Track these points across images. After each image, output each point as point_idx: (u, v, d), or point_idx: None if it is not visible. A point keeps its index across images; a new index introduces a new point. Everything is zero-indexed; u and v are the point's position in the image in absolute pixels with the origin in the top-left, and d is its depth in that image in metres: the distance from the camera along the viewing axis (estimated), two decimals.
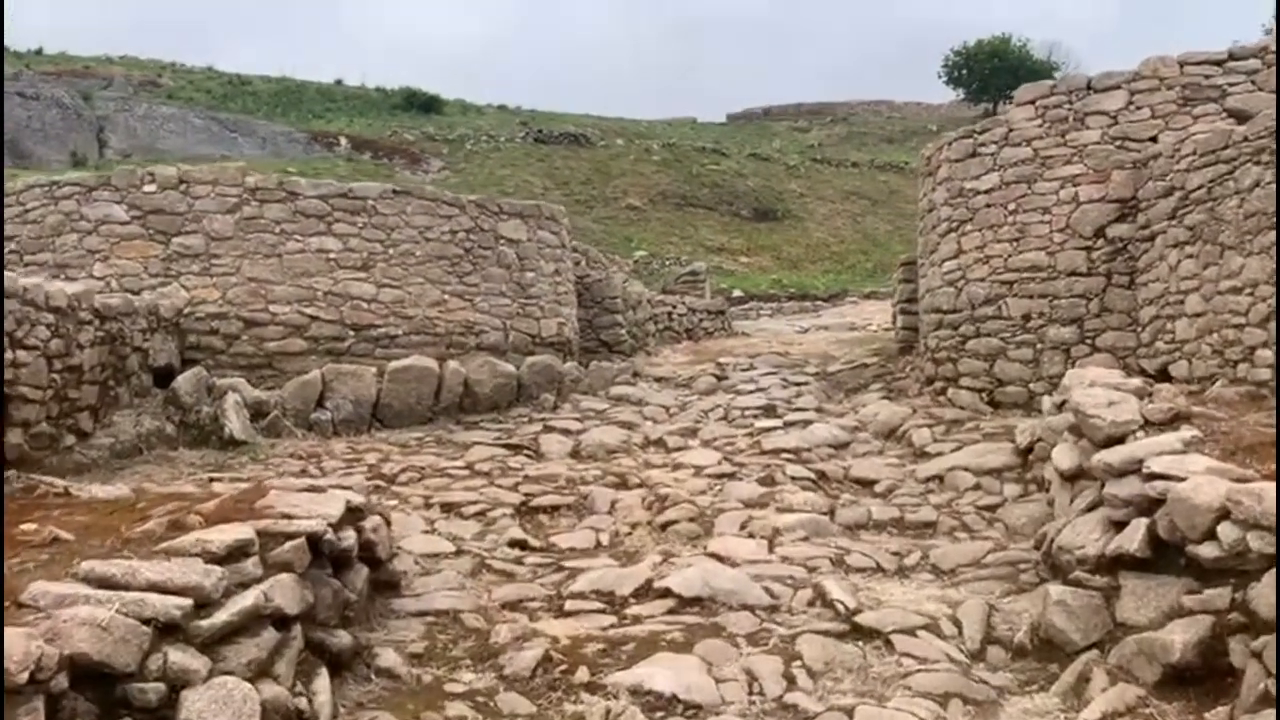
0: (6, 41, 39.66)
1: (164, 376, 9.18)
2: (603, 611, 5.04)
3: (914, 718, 3.82)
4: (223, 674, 3.35)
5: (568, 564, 5.91)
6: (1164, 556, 4.29)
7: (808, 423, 9.77)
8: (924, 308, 10.95)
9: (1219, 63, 8.82)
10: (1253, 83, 8.64)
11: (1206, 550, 3.98)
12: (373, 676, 4.23)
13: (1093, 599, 4.40)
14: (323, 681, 3.85)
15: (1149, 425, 5.38)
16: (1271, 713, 3.32)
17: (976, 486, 7.33)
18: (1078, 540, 4.81)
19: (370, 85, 47.97)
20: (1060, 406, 6.55)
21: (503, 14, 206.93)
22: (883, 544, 6.23)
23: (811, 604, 5.04)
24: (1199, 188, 7.69)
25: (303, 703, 3.63)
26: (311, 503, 4.67)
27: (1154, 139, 8.78)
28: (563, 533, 6.64)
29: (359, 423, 9.72)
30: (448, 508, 7.06)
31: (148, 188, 10.29)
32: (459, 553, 6.04)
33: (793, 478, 7.73)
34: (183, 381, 8.88)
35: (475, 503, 7.14)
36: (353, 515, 4.85)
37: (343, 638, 4.24)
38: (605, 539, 6.49)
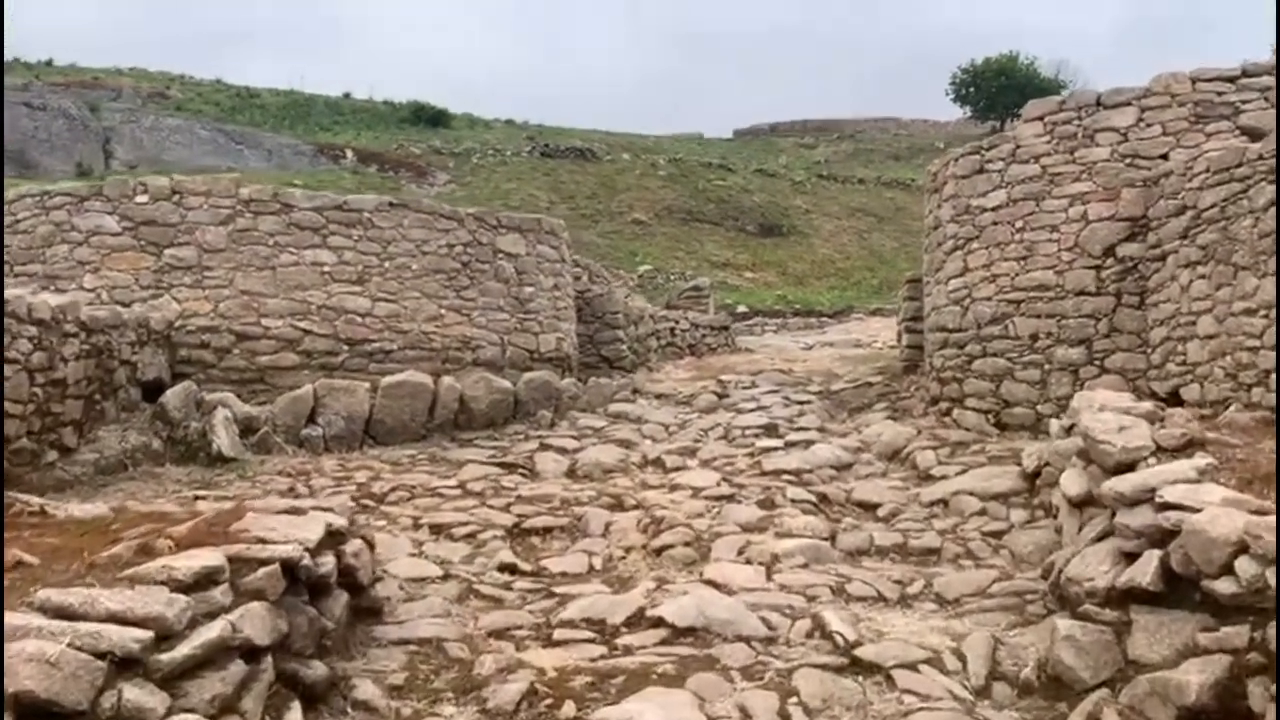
0: (17, 53, 39.91)
1: (153, 391, 9.01)
2: (593, 641, 4.86)
3: None
4: (183, 711, 3.17)
5: (558, 589, 5.72)
6: (1177, 590, 4.09)
7: (810, 443, 9.58)
8: (929, 326, 10.76)
9: (1231, 79, 8.68)
10: (1266, 100, 8.49)
11: (1223, 586, 3.79)
12: (349, 710, 4.05)
13: (1103, 634, 4.21)
14: (294, 716, 3.67)
15: (1161, 451, 5.19)
16: None
17: (982, 511, 7.12)
18: (1087, 571, 4.61)
19: (378, 99, 48.15)
20: (1069, 430, 6.36)
21: (512, 30, 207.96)
22: (885, 571, 6.04)
23: (810, 635, 4.84)
24: (1211, 206, 7.52)
25: None
26: (289, 526, 4.49)
27: (1165, 156, 8.62)
28: (554, 556, 6.47)
29: (351, 439, 9.55)
30: (437, 529, 6.88)
31: (140, 198, 10.15)
32: (446, 577, 5.87)
33: (793, 500, 7.54)
34: (171, 396, 8.71)
35: (466, 524, 6.96)
36: (333, 539, 4.69)
37: (318, 669, 4.06)
38: (598, 563, 6.32)
